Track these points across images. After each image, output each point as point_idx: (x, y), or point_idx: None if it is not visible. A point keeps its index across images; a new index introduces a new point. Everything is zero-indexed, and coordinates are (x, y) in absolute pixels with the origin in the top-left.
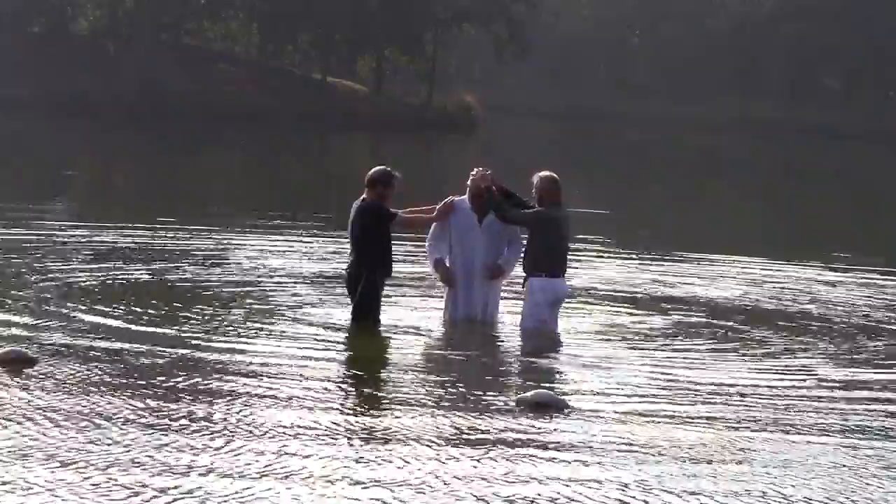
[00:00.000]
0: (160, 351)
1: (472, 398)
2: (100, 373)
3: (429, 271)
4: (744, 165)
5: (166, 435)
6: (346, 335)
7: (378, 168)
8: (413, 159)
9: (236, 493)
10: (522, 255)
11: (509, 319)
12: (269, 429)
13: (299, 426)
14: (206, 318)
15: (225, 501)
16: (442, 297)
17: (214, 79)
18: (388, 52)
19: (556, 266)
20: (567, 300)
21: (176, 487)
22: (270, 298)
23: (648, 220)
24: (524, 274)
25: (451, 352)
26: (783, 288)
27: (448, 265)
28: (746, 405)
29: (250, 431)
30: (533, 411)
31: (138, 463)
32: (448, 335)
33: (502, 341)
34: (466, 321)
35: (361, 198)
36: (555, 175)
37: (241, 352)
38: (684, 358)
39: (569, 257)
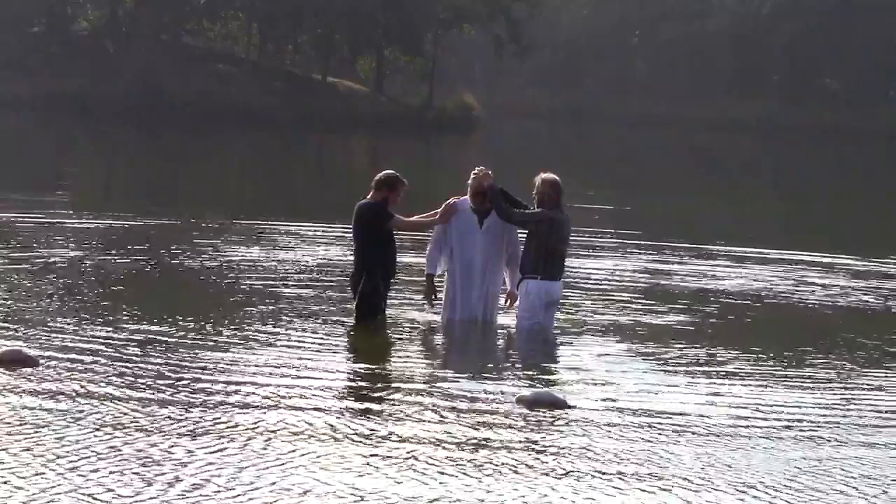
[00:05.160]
0: (161, 351)
1: (472, 397)
2: (101, 374)
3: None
4: (744, 165)
5: (168, 437)
6: (347, 335)
7: (387, 171)
8: (413, 159)
9: (239, 495)
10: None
11: (508, 320)
12: (269, 430)
13: (299, 427)
14: (207, 317)
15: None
16: (442, 296)
17: (214, 79)
18: (388, 52)
19: (553, 268)
20: (565, 299)
21: (176, 489)
22: (271, 298)
23: (649, 218)
24: (520, 274)
25: (450, 352)
26: (789, 285)
27: (447, 270)
28: (748, 403)
29: (251, 434)
30: (533, 410)
31: (139, 465)
32: (448, 335)
33: (502, 341)
34: (466, 321)
35: (364, 198)
36: (556, 178)
37: (243, 352)
38: (685, 356)
39: (566, 260)
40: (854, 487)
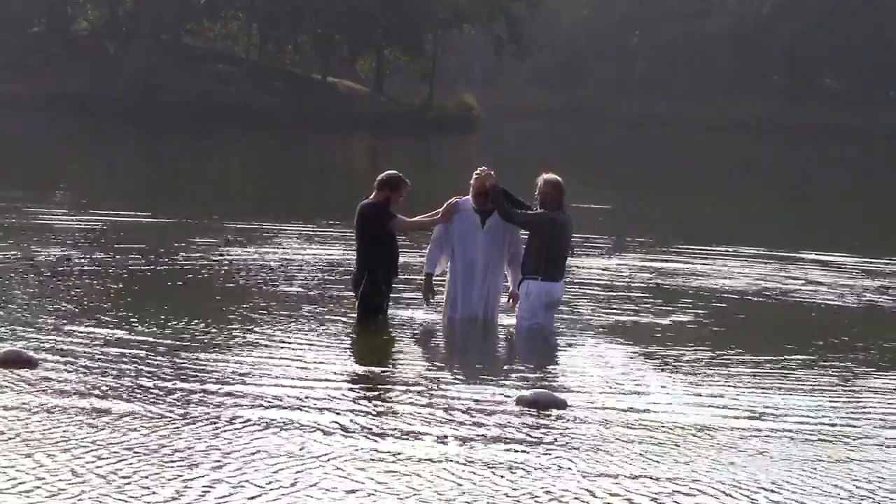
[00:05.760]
0: (161, 352)
1: (471, 398)
2: (100, 375)
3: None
4: (744, 165)
5: (168, 439)
6: (349, 335)
7: (389, 171)
8: (413, 159)
9: (239, 497)
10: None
11: (508, 320)
12: (269, 431)
13: (299, 426)
14: (207, 317)
15: None
16: (441, 296)
17: (214, 79)
18: (388, 52)
19: (554, 269)
20: (565, 299)
21: (176, 489)
22: (272, 297)
23: (650, 217)
24: (521, 275)
25: (451, 352)
26: (792, 284)
27: (448, 269)
28: (750, 406)
29: (251, 434)
30: (533, 411)
31: (138, 468)
32: (448, 335)
33: (502, 341)
34: (467, 321)
35: (366, 198)
36: (559, 178)
37: (243, 352)
38: (686, 357)
39: (567, 261)
40: (862, 492)
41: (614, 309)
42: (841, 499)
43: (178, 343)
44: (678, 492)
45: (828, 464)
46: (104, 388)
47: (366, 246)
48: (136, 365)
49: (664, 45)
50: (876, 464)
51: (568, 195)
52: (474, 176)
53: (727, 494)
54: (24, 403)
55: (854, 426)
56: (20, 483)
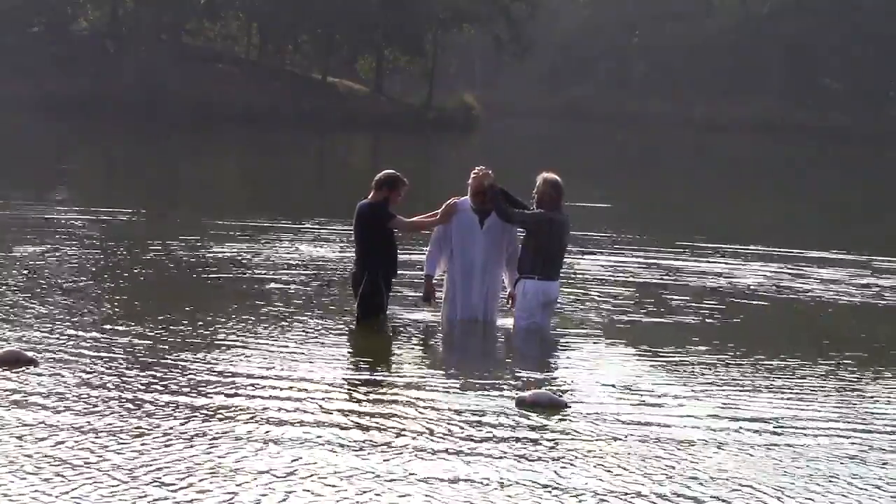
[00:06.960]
0: (160, 352)
1: (470, 398)
2: (100, 374)
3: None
4: (745, 165)
5: (165, 440)
6: (348, 335)
7: (387, 171)
8: (413, 159)
9: (238, 496)
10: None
11: (508, 320)
12: (268, 430)
13: (299, 427)
14: (207, 316)
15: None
16: (441, 296)
17: (214, 79)
18: (388, 52)
19: (551, 269)
20: (565, 299)
21: (175, 489)
22: (272, 297)
23: (650, 217)
24: (518, 274)
25: (450, 352)
26: (793, 284)
27: (446, 270)
28: (751, 408)
29: (250, 437)
30: (532, 411)
31: (137, 466)
32: (447, 335)
33: (501, 341)
34: (466, 321)
35: (365, 198)
36: (558, 178)
37: (243, 352)
38: (686, 357)
39: (564, 260)
40: (870, 499)
41: (614, 309)
42: None
43: (177, 342)
44: (679, 493)
45: (835, 470)
46: (104, 387)
47: (365, 246)
48: (136, 365)
49: (664, 45)
50: (885, 468)
51: (567, 194)
52: (472, 175)
53: (726, 493)
54: (24, 403)
55: (861, 431)
56: (21, 483)
